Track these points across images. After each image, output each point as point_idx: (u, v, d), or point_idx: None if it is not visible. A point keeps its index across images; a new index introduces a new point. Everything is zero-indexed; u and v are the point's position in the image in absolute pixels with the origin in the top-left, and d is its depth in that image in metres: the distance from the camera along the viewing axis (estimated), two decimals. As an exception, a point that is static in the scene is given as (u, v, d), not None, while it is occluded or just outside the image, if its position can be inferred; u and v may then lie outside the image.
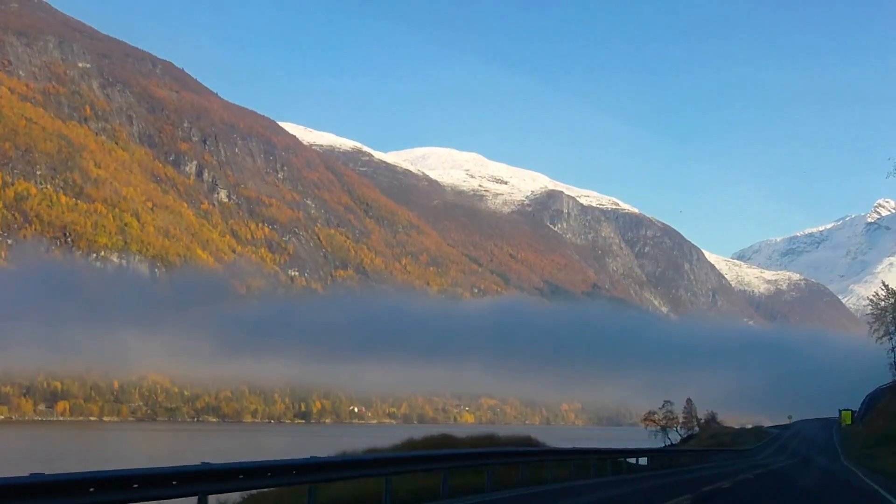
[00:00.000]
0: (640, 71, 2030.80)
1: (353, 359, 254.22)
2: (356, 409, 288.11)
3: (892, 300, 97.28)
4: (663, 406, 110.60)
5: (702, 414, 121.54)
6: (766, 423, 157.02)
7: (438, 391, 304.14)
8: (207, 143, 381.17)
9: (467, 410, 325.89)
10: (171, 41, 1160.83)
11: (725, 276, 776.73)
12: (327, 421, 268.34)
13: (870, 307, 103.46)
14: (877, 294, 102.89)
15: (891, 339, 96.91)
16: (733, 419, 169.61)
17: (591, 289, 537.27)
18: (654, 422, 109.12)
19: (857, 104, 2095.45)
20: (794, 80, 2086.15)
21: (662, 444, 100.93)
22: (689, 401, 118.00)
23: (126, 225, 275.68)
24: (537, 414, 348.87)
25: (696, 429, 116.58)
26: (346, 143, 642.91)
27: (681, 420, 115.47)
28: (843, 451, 71.82)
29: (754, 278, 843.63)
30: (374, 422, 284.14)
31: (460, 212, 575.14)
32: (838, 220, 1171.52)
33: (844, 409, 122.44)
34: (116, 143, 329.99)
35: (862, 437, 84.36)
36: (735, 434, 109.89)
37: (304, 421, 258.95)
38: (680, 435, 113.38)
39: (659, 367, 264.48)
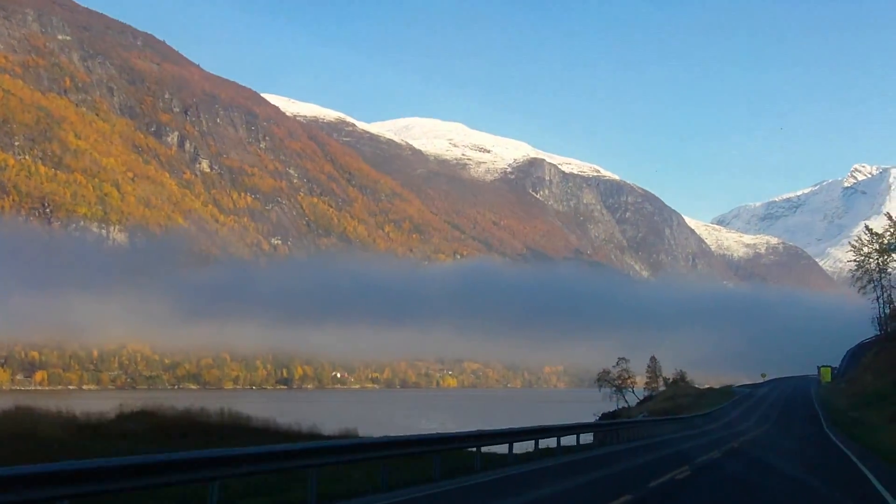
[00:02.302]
0: (618, 39, 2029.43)
1: (333, 324, 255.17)
2: (338, 375, 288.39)
3: (875, 245, 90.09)
4: (618, 364, 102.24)
5: (671, 373, 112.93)
6: (745, 381, 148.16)
7: (420, 355, 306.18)
8: (189, 113, 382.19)
9: (450, 374, 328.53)
10: (151, 13, 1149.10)
11: (705, 240, 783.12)
12: (309, 387, 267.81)
13: (852, 252, 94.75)
14: (859, 239, 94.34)
15: (875, 287, 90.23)
16: (711, 378, 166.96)
17: (572, 254, 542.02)
18: (609, 382, 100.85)
19: (833, 71, 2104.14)
20: (771, 48, 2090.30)
21: (616, 407, 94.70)
22: (653, 359, 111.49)
23: (106, 195, 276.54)
24: (519, 377, 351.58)
25: (663, 388, 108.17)
26: (329, 114, 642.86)
27: (644, 379, 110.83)
28: (825, 416, 61.12)
29: (733, 242, 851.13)
30: (357, 387, 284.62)
31: (443, 180, 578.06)
32: (815, 185, 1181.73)
33: (823, 366, 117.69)
34: (97, 115, 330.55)
35: (846, 395, 77.33)
36: (698, 395, 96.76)
37: (286, 387, 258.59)
38: (637, 397, 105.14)
39: (637, 328, 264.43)
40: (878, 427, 43.31)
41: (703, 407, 75.23)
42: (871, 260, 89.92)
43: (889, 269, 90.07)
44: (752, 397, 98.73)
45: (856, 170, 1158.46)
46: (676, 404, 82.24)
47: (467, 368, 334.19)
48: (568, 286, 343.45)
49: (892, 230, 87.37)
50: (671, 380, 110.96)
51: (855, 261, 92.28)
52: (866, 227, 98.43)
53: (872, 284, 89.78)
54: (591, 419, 66.33)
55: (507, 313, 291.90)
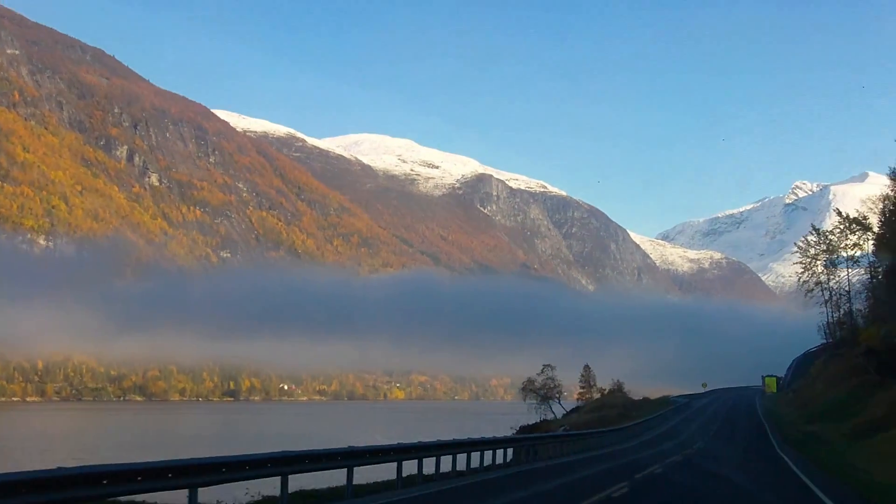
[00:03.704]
0: (563, 56, 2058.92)
1: (279, 336, 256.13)
2: (286, 387, 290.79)
3: (823, 246, 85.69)
4: (542, 371, 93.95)
5: (609, 383, 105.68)
6: (687, 391, 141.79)
7: (367, 368, 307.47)
8: (138, 128, 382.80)
9: (398, 387, 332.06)
10: (101, 28, 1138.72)
11: (650, 255, 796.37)
12: (256, 399, 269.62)
13: (798, 254, 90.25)
14: (806, 241, 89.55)
15: (823, 291, 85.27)
16: (653, 389, 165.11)
17: (519, 269, 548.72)
18: (535, 391, 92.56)
19: (773, 88, 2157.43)
20: (713, 63, 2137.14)
21: (539, 419, 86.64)
22: (586, 367, 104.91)
23: (53, 208, 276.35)
24: (467, 389, 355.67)
25: (596, 397, 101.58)
26: (279, 130, 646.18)
27: (577, 389, 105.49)
28: (773, 432, 54.21)
29: (678, 257, 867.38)
30: (304, 399, 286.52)
31: (392, 195, 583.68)
32: (757, 202, 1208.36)
33: (768, 376, 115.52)
34: (46, 129, 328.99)
35: (795, 406, 72.71)
36: (629, 405, 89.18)
37: (232, 399, 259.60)
38: (563, 408, 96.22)
39: (581, 339, 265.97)
40: (842, 446, 36.49)
41: (630, 419, 70.31)
42: (817, 262, 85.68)
43: (837, 272, 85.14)
44: (690, 408, 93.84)
45: (797, 187, 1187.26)
46: (601, 416, 76.49)
47: (415, 381, 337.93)
48: (514, 299, 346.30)
49: (841, 227, 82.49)
50: (607, 390, 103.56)
51: (801, 262, 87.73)
52: (813, 227, 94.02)
53: (820, 288, 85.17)
54: (510, 433, 64.59)
55: (454, 326, 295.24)
